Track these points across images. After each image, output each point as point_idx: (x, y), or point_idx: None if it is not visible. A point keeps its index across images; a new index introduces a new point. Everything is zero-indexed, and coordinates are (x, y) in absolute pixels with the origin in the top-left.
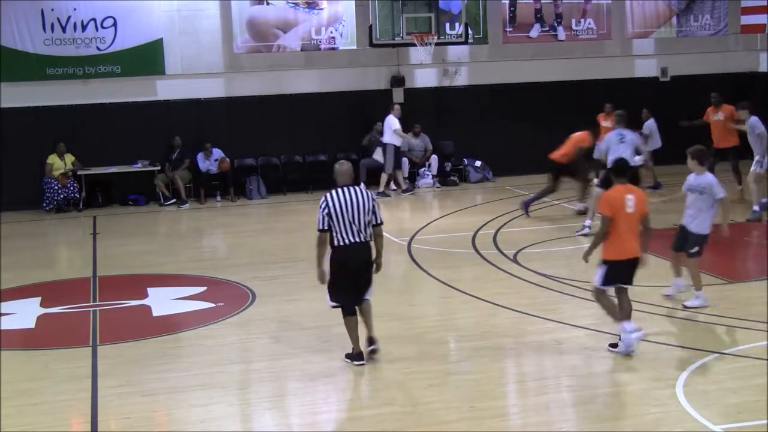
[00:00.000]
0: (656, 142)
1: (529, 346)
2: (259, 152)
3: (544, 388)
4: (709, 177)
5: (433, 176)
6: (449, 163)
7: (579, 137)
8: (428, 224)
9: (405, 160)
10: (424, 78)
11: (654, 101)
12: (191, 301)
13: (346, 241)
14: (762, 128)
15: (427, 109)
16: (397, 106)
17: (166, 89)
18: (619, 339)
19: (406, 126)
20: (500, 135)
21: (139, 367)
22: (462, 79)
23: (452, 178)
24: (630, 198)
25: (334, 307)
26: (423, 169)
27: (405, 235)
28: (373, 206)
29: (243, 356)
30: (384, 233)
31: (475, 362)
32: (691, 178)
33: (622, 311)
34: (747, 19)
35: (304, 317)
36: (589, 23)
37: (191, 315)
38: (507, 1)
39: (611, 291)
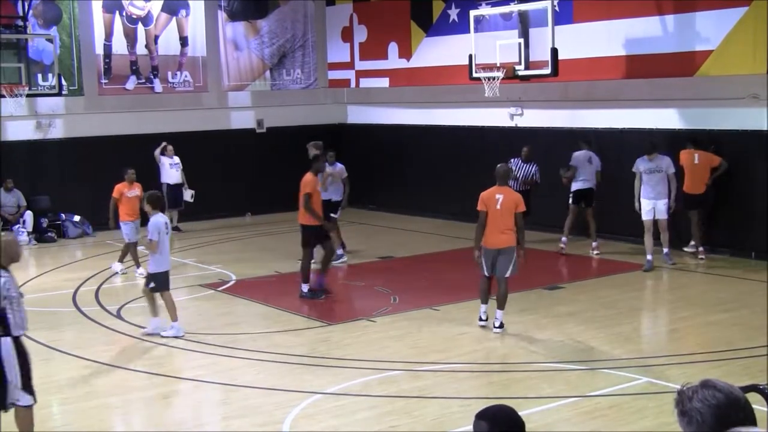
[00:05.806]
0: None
1: (136, 402)
2: None
3: None
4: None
5: (29, 233)
6: (45, 219)
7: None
8: (25, 283)
9: None
10: (16, 131)
11: (252, 152)
12: None
13: None
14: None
15: (19, 162)
16: None
17: None
18: None
19: None
20: (100, 188)
21: None
22: (57, 132)
23: (49, 234)
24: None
25: None
26: (17, 226)
27: None
28: None
29: None
30: None
31: (81, 424)
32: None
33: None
34: (334, 75)
35: None
36: (186, 76)
37: None
38: (101, 53)
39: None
